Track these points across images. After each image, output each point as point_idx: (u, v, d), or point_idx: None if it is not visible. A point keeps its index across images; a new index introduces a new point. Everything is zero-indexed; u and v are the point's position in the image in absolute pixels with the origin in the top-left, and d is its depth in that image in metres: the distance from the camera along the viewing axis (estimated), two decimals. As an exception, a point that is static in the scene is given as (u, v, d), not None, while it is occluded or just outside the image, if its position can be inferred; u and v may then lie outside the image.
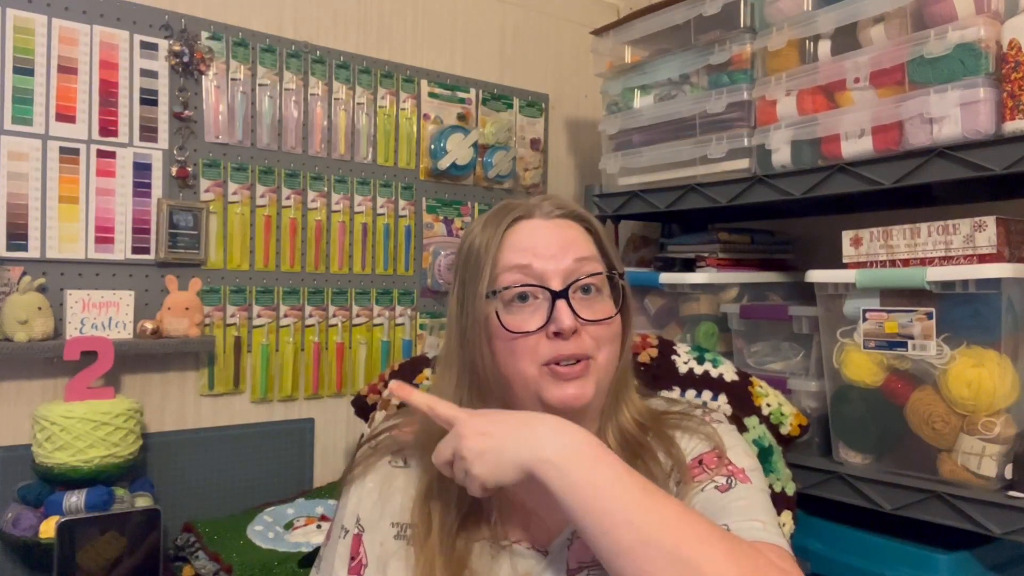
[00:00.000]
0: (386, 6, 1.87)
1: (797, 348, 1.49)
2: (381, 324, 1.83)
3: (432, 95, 1.92)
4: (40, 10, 1.43)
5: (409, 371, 1.27)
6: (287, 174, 1.70)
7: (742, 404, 1.21)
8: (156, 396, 1.56)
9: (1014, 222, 1.20)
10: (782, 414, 1.24)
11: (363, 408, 1.31)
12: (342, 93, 1.78)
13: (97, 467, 1.34)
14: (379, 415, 1.25)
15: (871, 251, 1.31)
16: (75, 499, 1.31)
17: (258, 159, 1.67)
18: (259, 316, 1.66)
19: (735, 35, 1.54)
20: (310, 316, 1.73)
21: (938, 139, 1.21)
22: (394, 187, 1.85)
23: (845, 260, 1.34)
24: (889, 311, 1.25)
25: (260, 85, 1.67)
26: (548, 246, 0.86)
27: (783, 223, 1.87)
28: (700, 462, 0.87)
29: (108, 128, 1.49)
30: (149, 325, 1.48)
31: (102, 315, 1.45)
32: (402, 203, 1.87)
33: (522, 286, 0.84)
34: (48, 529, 1.27)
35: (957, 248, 1.20)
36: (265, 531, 1.45)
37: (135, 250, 1.52)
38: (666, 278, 1.63)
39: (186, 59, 1.56)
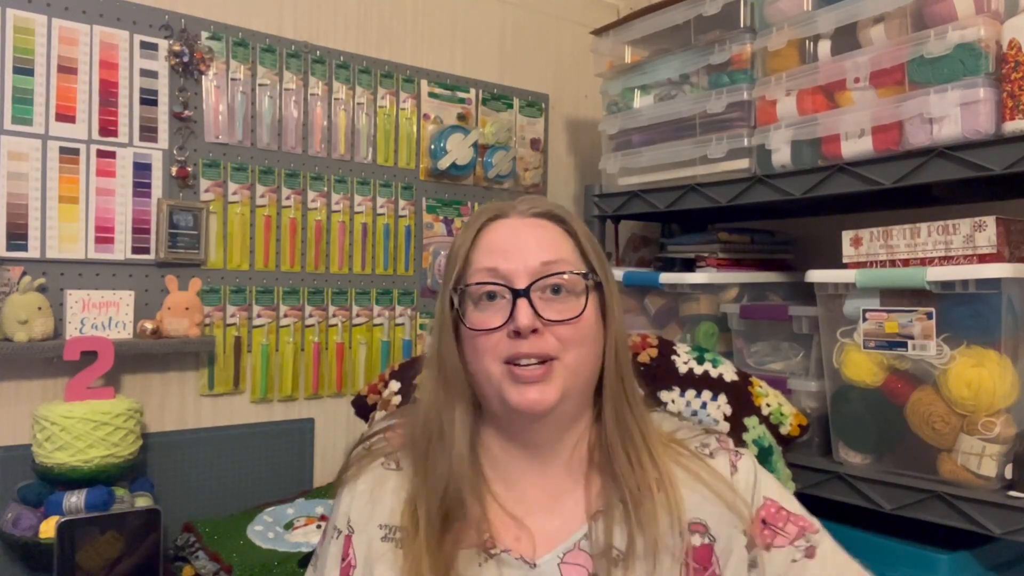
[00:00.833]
0: (386, 6, 1.87)
1: (797, 348, 1.49)
2: (381, 324, 1.83)
3: (432, 95, 1.92)
4: (40, 10, 1.43)
5: (409, 371, 1.27)
6: (287, 174, 1.70)
7: (742, 404, 1.21)
8: (156, 396, 1.56)
9: (1014, 222, 1.20)
10: (782, 414, 1.24)
11: (363, 408, 1.30)
12: (342, 93, 1.78)
13: (97, 467, 1.34)
14: (379, 415, 1.25)
15: (871, 251, 1.31)
16: (75, 499, 1.31)
17: (258, 159, 1.67)
18: (259, 316, 1.66)
19: (735, 35, 1.54)
20: (310, 316, 1.73)
21: (938, 139, 1.21)
22: (394, 187, 1.85)
23: (845, 260, 1.34)
24: (889, 311, 1.25)
25: (260, 85, 1.67)
26: (518, 246, 0.85)
27: (783, 223, 1.87)
28: (764, 522, 0.87)
29: (108, 128, 1.49)
30: (149, 325, 1.48)
31: (102, 315, 1.45)
32: (402, 203, 1.87)
33: (487, 284, 0.84)
34: (48, 529, 1.27)
35: (957, 248, 1.20)
36: (265, 531, 1.45)
37: (135, 250, 1.52)
38: (666, 278, 1.63)
39: (186, 59, 1.56)
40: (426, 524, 0.82)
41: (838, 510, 1.32)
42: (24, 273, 1.39)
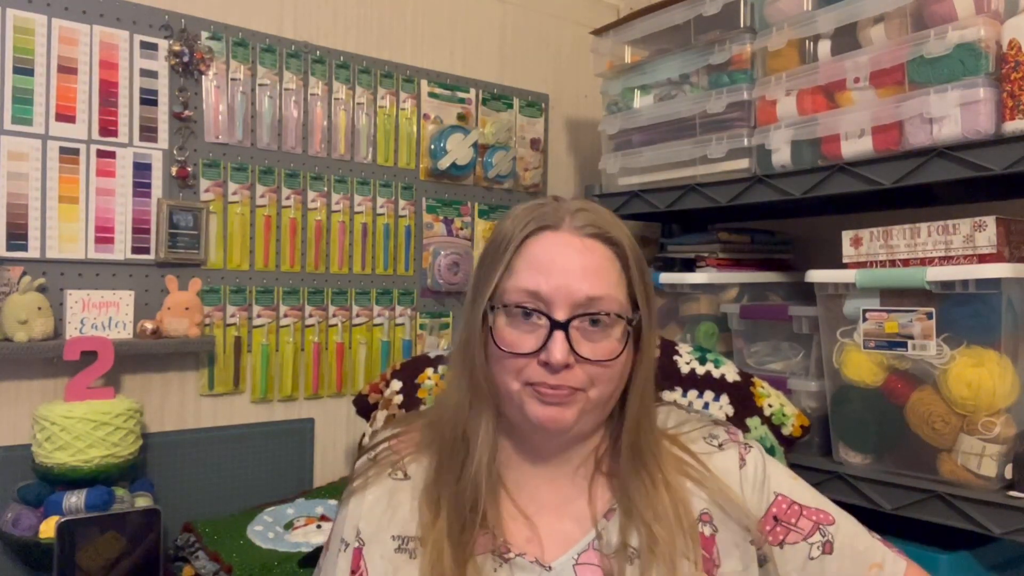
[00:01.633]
0: (386, 6, 1.87)
1: (797, 348, 1.49)
2: (381, 324, 1.83)
3: (432, 95, 1.92)
4: (40, 10, 1.43)
5: (411, 371, 1.27)
6: (287, 174, 1.70)
7: (744, 405, 1.21)
8: (156, 396, 1.56)
9: (1014, 222, 1.20)
10: (784, 415, 1.24)
11: (365, 407, 1.30)
12: (342, 93, 1.78)
13: (97, 467, 1.34)
14: (380, 415, 1.25)
15: (871, 251, 1.31)
16: (75, 499, 1.31)
17: (258, 159, 1.67)
18: (259, 316, 1.66)
19: (735, 35, 1.54)
20: (310, 316, 1.73)
21: (938, 139, 1.21)
22: (394, 187, 1.85)
23: (845, 260, 1.34)
24: (889, 311, 1.25)
25: (260, 85, 1.67)
26: (565, 270, 0.80)
27: (783, 223, 1.87)
28: (776, 518, 0.86)
29: (108, 128, 1.49)
30: (149, 325, 1.48)
31: (102, 315, 1.45)
32: (402, 203, 1.87)
33: (526, 307, 0.80)
34: (48, 529, 1.27)
35: (957, 248, 1.20)
36: (265, 531, 1.45)
37: (135, 250, 1.52)
38: (666, 278, 1.63)
39: (186, 59, 1.56)
40: (447, 524, 0.82)
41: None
42: (24, 273, 1.39)
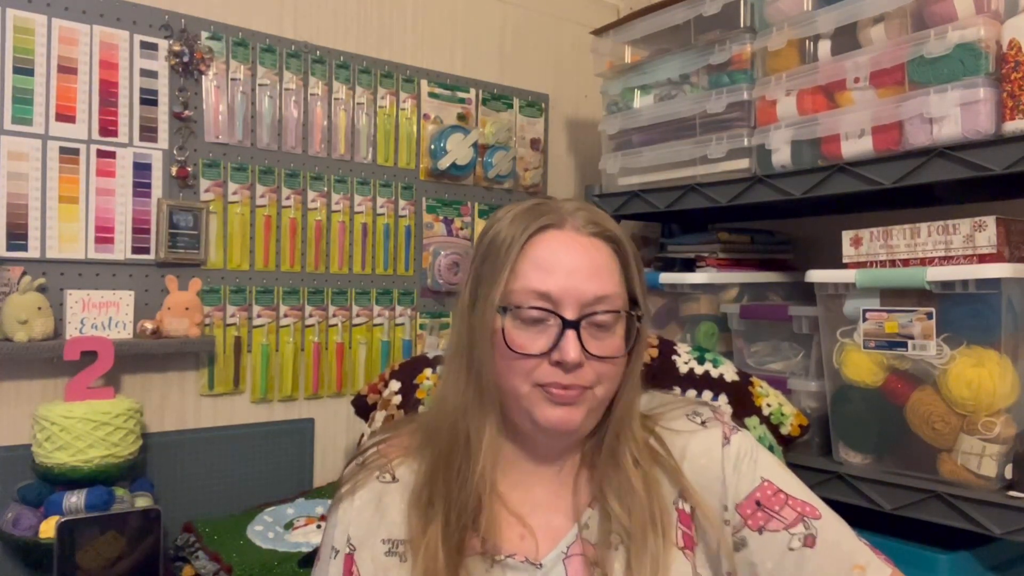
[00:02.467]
0: (386, 6, 1.87)
1: (797, 348, 1.49)
2: (381, 324, 1.83)
3: (432, 95, 1.92)
4: (40, 10, 1.43)
5: (409, 371, 1.27)
6: (287, 174, 1.70)
7: (743, 404, 1.21)
8: (156, 396, 1.56)
9: (1014, 222, 1.20)
10: (782, 414, 1.24)
11: (363, 408, 1.31)
12: (342, 93, 1.78)
13: (97, 467, 1.34)
14: (379, 415, 1.25)
15: (871, 251, 1.31)
16: (75, 499, 1.31)
17: (258, 159, 1.67)
18: (259, 316, 1.66)
19: (735, 35, 1.54)
20: (310, 316, 1.73)
21: (938, 139, 1.21)
22: (394, 187, 1.85)
23: (845, 260, 1.34)
24: (889, 311, 1.25)
25: (260, 85, 1.67)
26: (572, 270, 0.81)
27: (783, 223, 1.87)
28: (758, 503, 0.85)
29: (108, 128, 1.49)
30: (149, 325, 1.48)
31: (102, 315, 1.45)
32: (402, 203, 1.87)
33: (536, 309, 0.81)
34: (48, 529, 1.27)
35: (957, 248, 1.20)
36: (265, 531, 1.45)
37: (135, 250, 1.52)
38: (666, 278, 1.63)
39: (186, 59, 1.56)
40: (442, 528, 0.81)
41: (838, 510, 1.32)
42: (24, 273, 1.39)
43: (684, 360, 1.23)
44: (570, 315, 0.80)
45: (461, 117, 1.95)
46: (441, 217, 1.93)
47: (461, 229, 1.96)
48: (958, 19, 1.20)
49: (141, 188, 1.53)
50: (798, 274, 1.51)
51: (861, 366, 1.30)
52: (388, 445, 0.92)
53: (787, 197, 1.44)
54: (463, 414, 0.85)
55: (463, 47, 2.00)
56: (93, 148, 1.48)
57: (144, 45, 1.53)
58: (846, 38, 1.37)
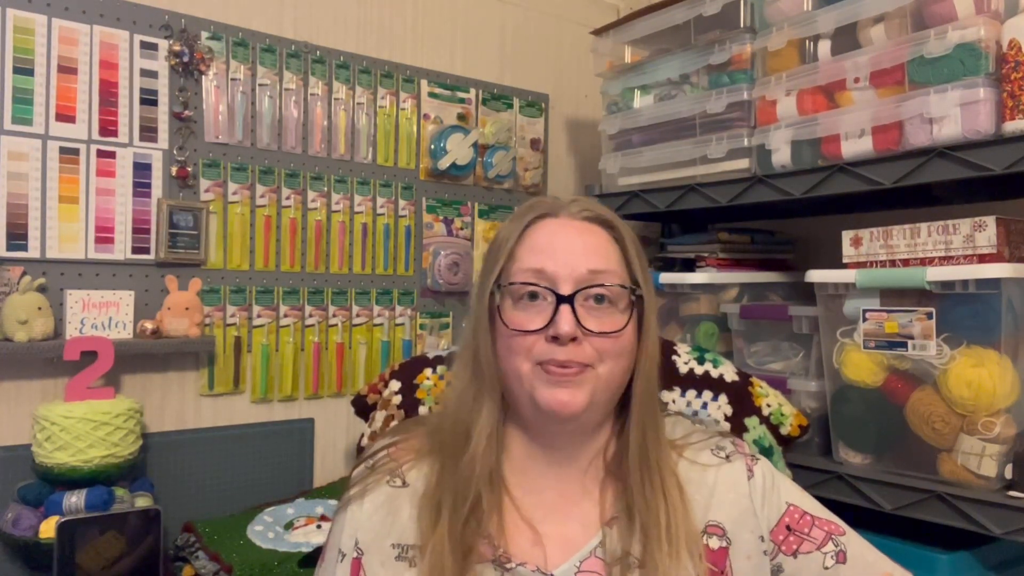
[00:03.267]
0: (386, 6, 1.87)
1: (797, 348, 1.49)
2: (381, 324, 1.83)
3: (432, 95, 1.92)
4: (40, 10, 1.43)
5: (409, 371, 1.27)
6: (287, 174, 1.70)
7: (742, 404, 1.21)
8: (156, 396, 1.56)
9: (1014, 222, 1.20)
10: (782, 414, 1.24)
11: (363, 408, 1.30)
12: (342, 93, 1.78)
13: (97, 467, 1.34)
14: (379, 415, 1.25)
15: (871, 251, 1.31)
16: (75, 499, 1.31)
17: (258, 159, 1.67)
18: (259, 316, 1.66)
19: (735, 35, 1.54)
20: (310, 316, 1.73)
21: (938, 139, 1.21)
22: (394, 187, 1.85)
23: (845, 260, 1.34)
24: (889, 311, 1.25)
25: (260, 85, 1.67)
26: (566, 249, 0.83)
27: (783, 223, 1.87)
28: (788, 528, 0.87)
29: (108, 128, 1.49)
30: (149, 325, 1.48)
31: (102, 315, 1.45)
32: (402, 203, 1.87)
33: (531, 284, 0.82)
34: (48, 529, 1.27)
35: (957, 248, 1.20)
36: (265, 531, 1.45)
37: (135, 250, 1.52)
38: (666, 278, 1.63)
39: (186, 59, 1.56)
40: (448, 525, 0.81)
41: (838, 510, 1.33)
42: (24, 273, 1.39)
43: (684, 360, 1.23)
44: (565, 290, 0.81)
45: (461, 117, 1.95)
46: (441, 217, 1.93)
47: (461, 229, 1.96)
48: (958, 19, 1.20)
49: (141, 188, 1.53)
50: (798, 274, 1.51)
51: (861, 366, 1.30)
52: (398, 448, 0.92)
53: (787, 197, 1.44)
54: (465, 404, 0.86)
55: (463, 47, 2.00)
56: (93, 148, 1.48)
57: (144, 45, 1.53)
58: (846, 38, 1.37)
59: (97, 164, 1.48)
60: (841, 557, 0.86)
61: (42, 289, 1.40)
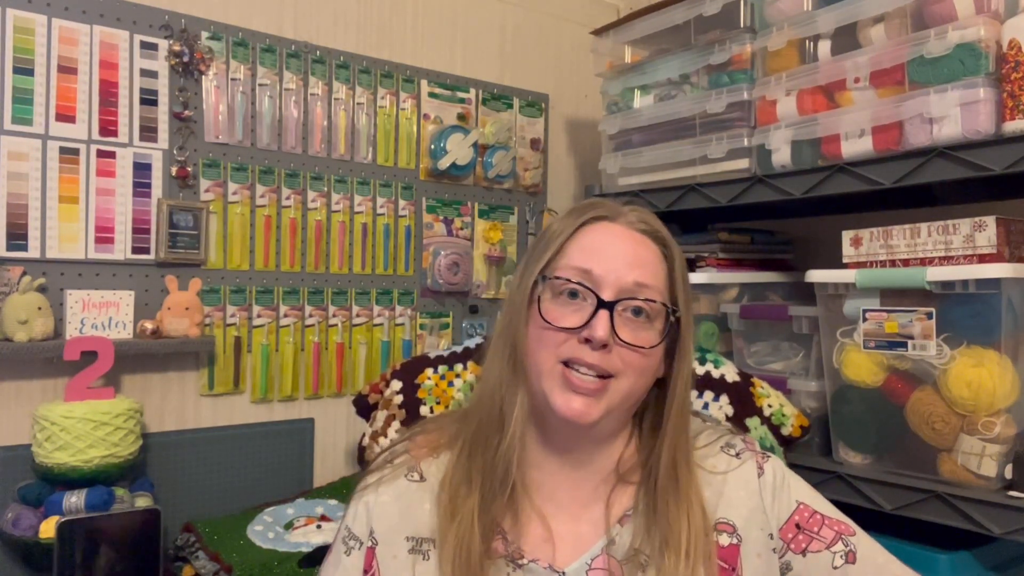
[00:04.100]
0: (386, 6, 1.87)
1: (797, 348, 1.49)
2: (381, 324, 1.83)
3: (432, 95, 1.92)
4: (40, 10, 1.43)
5: (411, 371, 1.27)
6: (287, 174, 1.70)
7: (744, 405, 1.21)
8: (156, 396, 1.56)
9: (1014, 222, 1.20)
10: (783, 415, 1.24)
11: (364, 408, 1.31)
12: (342, 93, 1.78)
13: (97, 467, 1.34)
14: (380, 415, 1.25)
15: (871, 251, 1.31)
16: (75, 499, 1.31)
17: (258, 159, 1.67)
18: (259, 316, 1.66)
19: (735, 35, 1.54)
20: (310, 316, 1.73)
21: (938, 139, 1.21)
22: (394, 187, 1.85)
23: (845, 260, 1.34)
24: (889, 311, 1.25)
25: (260, 85, 1.67)
26: (617, 255, 0.84)
27: (783, 223, 1.87)
28: (798, 526, 0.86)
29: (108, 128, 1.49)
30: (149, 325, 1.48)
31: (102, 315, 1.45)
32: (402, 203, 1.87)
33: (576, 283, 0.82)
34: (48, 529, 1.27)
35: (957, 248, 1.20)
36: (265, 531, 1.45)
37: (135, 250, 1.52)
38: (666, 278, 1.62)
39: (186, 59, 1.56)
40: (479, 498, 0.82)
41: (839, 510, 1.33)
42: (24, 273, 1.39)
43: (684, 360, 1.23)
44: (607, 296, 0.81)
45: (461, 117, 1.95)
46: (441, 217, 1.93)
47: (461, 229, 1.96)
48: (958, 19, 1.20)
49: (141, 188, 1.53)
50: (798, 274, 1.51)
51: (861, 366, 1.30)
52: (415, 443, 0.92)
53: (787, 197, 1.45)
54: (500, 386, 0.86)
55: (463, 47, 2.00)
56: (93, 148, 1.48)
57: (144, 45, 1.53)
58: (846, 38, 1.37)
59: (97, 164, 1.48)
60: (851, 557, 0.86)
61: (42, 289, 1.40)
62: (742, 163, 1.52)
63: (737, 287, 1.63)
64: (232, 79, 1.63)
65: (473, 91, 1.99)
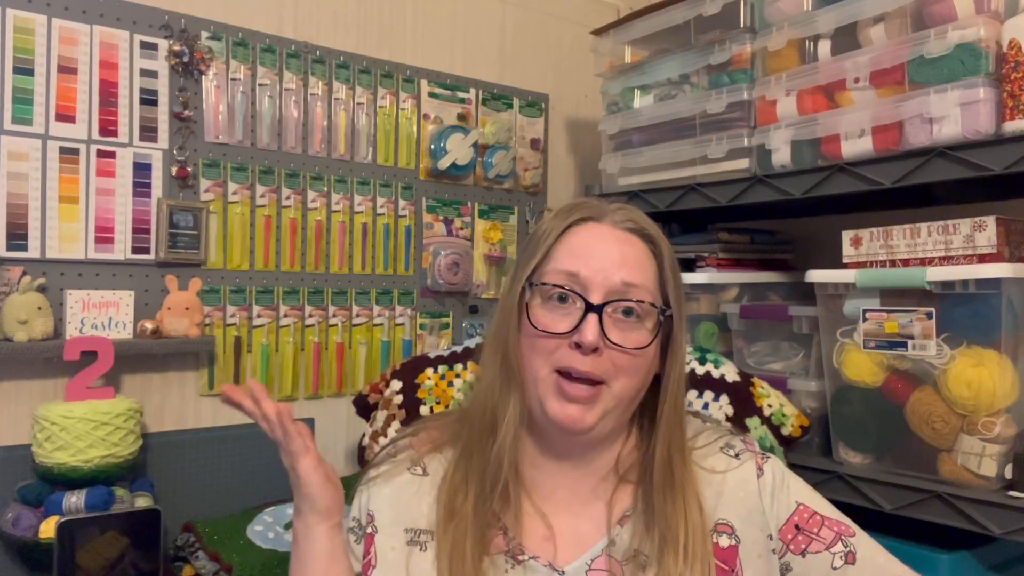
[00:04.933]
0: (386, 6, 1.87)
1: (797, 348, 1.49)
2: (381, 324, 1.83)
3: (432, 95, 1.92)
4: (40, 10, 1.43)
5: (411, 371, 1.27)
6: (287, 174, 1.70)
7: (744, 405, 1.21)
8: (156, 396, 1.55)
9: (1014, 222, 1.20)
10: (783, 415, 1.24)
11: (365, 407, 1.31)
12: (342, 93, 1.78)
13: (97, 467, 1.34)
14: (380, 415, 1.25)
15: (871, 251, 1.31)
16: (75, 499, 1.31)
17: (258, 159, 1.67)
18: (259, 316, 1.66)
19: (735, 35, 1.54)
20: (310, 316, 1.73)
21: (938, 139, 1.21)
22: (394, 187, 1.85)
23: (845, 260, 1.34)
24: (889, 311, 1.25)
25: (260, 85, 1.67)
26: (604, 256, 0.83)
27: (783, 223, 1.87)
28: (797, 527, 0.86)
29: (108, 128, 1.49)
30: (149, 325, 1.48)
31: (102, 315, 1.45)
32: (402, 203, 1.87)
33: (563, 287, 0.82)
34: (48, 529, 1.27)
35: (957, 248, 1.20)
36: (265, 531, 1.45)
37: (135, 250, 1.52)
38: (666, 278, 1.62)
39: (186, 59, 1.56)
40: (475, 501, 0.82)
41: (839, 510, 1.33)
42: (24, 273, 1.39)
43: (685, 360, 1.23)
44: (595, 299, 0.81)
45: (461, 117, 1.95)
46: (441, 217, 1.93)
47: (461, 229, 1.96)
48: (958, 19, 1.20)
49: (141, 188, 1.53)
50: (798, 274, 1.51)
51: (861, 366, 1.30)
52: (418, 439, 0.93)
53: (787, 197, 1.45)
54: (493, 391, 0.86)
55: (463, 47, 2.00)
56: (93, 148, 1.48)
57: (144, 45, 1.53)
58: (846, 38, 1.37)
59: (97, 164, 1.48)
60: (850, 558, 0.85)
61: (42, 289, 1.40)
62: (742, 163, 1.52)
63: (737, 287, 1.63)
64: (232, 79, 1.63)
65: (473, 91, 1.99)
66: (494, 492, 0.84)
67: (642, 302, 0.82)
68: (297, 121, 1.72)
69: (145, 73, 1.53)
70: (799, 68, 1.43)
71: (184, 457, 1.56)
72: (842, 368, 1.33)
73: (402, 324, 1.86)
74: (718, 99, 1.56)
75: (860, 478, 1.29)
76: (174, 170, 1.56)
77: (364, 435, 1.27)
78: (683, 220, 2.00)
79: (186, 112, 1.57)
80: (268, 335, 1.68)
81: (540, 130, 2.11)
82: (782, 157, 1.44)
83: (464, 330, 1.94)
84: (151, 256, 1.53)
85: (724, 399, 1.20)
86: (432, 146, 1.89)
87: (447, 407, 1.22)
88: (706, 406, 1.19)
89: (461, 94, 1.96)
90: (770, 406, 1.23)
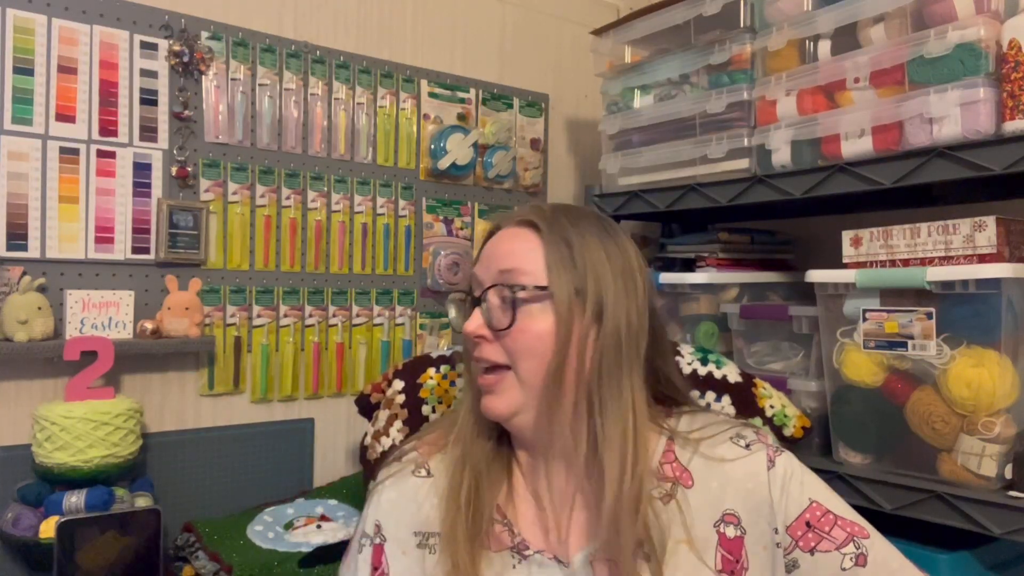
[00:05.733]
0: (386, 6, 1.87)
1: (797, 348, 1.49)
2: (381, 324, 1.83)
3: (432, 95, 1.92)
4: (40, 10, 1.43)
5: (413, 371, 1.27)
6: (287, 174, 1.70)
7: (746, 406, 1.21)
8: (156, 396, 1.55)
9: (1014, 222, 1.20)
10: (785, 416, 1.24)
11: (366, 407, 1.30)
12: (342, 93, 1.78)
13: (97, 467, 1.34)
14: (382, 414, 1.25)
15: (871, 251, 1.31)
16: (75, 499, 1.31)
17: (258, 159, 1.67)
18: (259, 316, 1.66)
19: (735, 35, 1.54)
20: (310, 316, 1.73)
21: (938, 139, 1.21)
22: (394, 187, 1.85)
23: (845, 260, 1.34)
24: (889, 311, 1.25)
25: (260, 85, 1.67)
26: (490, 255, 0.88)
27: (783, 223, 1.87)
28: (808, 524, 0.85)
29: (108, 128, 1.49)
30: (149, 325, 1.48)
31: (102, 315, 1.45)
32: (402, 203, 1.87)
33: (457, 289, 0.88)
34: (48, 529, 1.27)
35: (957, 248, 1.20)
36: (265, 531, 1.45)
37: (135, 250, 1.52)
38: (666, 278, 1.63)
39: (186, 59, 1.56)
40: (466, 516, 0.84)
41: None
42: (24, 273, 1.39)
43: (687, 361, 1.23)
44: (478, 292, 0.86)
45: (461, 117, 1.95)
46: (441, 217, 1.93)
47: (461, 229, 1.96)
48: (958, 19, 1.20)
49: (141, 188, 1.53)
50: (798, 274, 1.51)
51: (861, 366, 1.30)
52: (424, 441, 0.96)
53: (787, 197, 1.45)
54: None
55: (463, 47, 2.00)
56: (93, 148, 1.48)
57: (144, 45, 1.53)
58: (846, 38, 1.37)
59: (97, 164, 1.48)
60: (861, 560, 0.84)
61: (42, 289, 1.40)
62: (742, 163, 1.52)
63: (737, 287, 1.63)
64: (232, 79, 1.63)
65: (473, 91, 1.99)
66: (495, 489, 0.86)
67: (515, 285, 0.83)
68: (297, 121, 1.72)
69: (145, 73, 1.53)
70: (799, 68, 1.43)
71: (184, 457, 1.56)
72: (842, 368, 1.33)
73: (402, 324, 1.86)
74: (718, 99, 1.56)
75: (860, 478, 1.29)
76: (174, 170, 1.56)
77: (366, 435, 1.27)
78: (683, 220, 2.00)
79: (186, 112, 1.57)
80: (268, 335, 1.68)
81: (540, 130, 2.11)
82: (782, 157, 1.44)
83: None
84: (151, 256, 1.53)
85: (726, 400, 1.20)
86: (432, 146, 1.89)
87: (449, 407, 1.22)
88: (708, 407, 1.19)
89: (461, 94, 1.96)
90: (772, 407, 1.23)
